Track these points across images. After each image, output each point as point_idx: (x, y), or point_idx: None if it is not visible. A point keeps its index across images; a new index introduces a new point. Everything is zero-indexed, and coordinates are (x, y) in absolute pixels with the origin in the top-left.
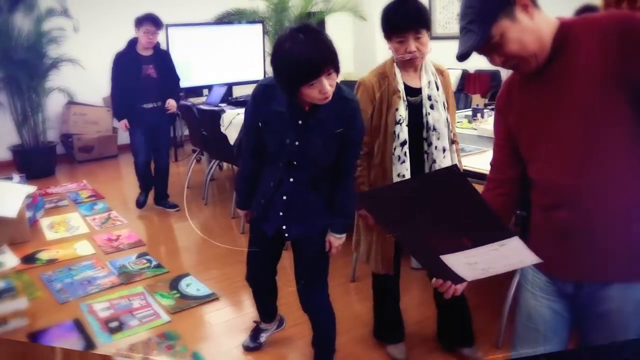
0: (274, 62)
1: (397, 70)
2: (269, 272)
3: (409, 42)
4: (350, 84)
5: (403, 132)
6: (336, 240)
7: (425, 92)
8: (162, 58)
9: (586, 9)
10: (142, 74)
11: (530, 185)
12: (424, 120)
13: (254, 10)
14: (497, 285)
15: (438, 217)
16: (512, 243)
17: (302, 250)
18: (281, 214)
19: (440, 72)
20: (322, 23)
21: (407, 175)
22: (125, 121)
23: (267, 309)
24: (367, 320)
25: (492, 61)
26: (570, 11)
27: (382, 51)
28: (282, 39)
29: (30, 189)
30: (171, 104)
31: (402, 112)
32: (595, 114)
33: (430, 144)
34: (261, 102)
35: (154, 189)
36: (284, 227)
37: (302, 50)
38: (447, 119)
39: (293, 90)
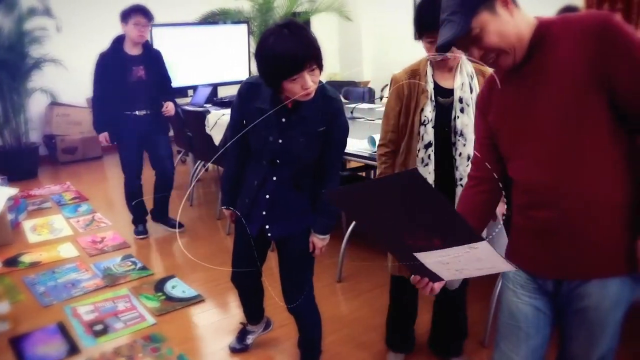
0: (258, 56)
1: (429, 69)
2: (254, 273)
3: None
4: (335, 84)
5: (428, 134)
6: (319, 241)
7: (457, 94)
8: (152, 58)
9: (567, 10)
10: (132, 77)
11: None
12: (452, 123)
13: (239, 10)
14: (483, 284)
15: (406, 218)
16: (481, 247)
17: (286, 251)
18: (264, 213)
19: (482, 74)
20: (307, 23)
21: (431, 180)
22: (105, 134)
23: (253, 310)
24: (354, 320)
25: (471, 54)
26: (552, 11)
27: (367, 51)
28: (266, 33)
29: (12, 191)
30: (169, 107)
31: (428, 113)
32: (572, 112)
33: (456, 150)
34: (246, 99)
35: (153, 203)
36: (267, 226)
37: (285, 44)
38: None
39: (276, 85)
